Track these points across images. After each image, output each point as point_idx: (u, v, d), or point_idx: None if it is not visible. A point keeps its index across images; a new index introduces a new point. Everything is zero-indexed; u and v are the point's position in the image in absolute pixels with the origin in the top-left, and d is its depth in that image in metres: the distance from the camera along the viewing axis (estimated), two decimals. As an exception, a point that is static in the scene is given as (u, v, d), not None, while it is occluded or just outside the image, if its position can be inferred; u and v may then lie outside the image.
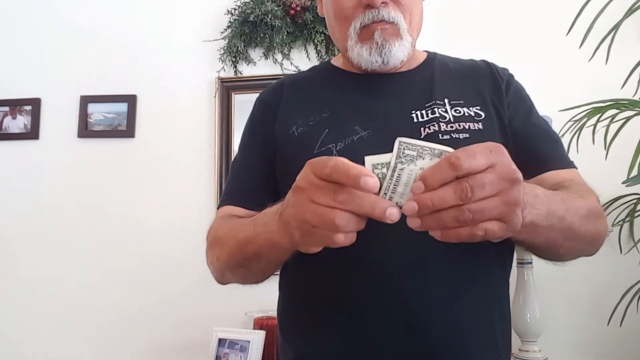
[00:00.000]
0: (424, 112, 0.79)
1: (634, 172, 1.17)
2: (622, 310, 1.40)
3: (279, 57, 1.87)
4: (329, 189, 0.47)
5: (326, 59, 1.83)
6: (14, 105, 1.95)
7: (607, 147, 1.30)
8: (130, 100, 1.92)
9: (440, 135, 0.76)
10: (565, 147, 1.37)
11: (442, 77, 0.86)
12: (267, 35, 1.84)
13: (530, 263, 1.40)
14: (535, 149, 0.79)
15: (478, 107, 0.81)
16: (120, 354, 1.78)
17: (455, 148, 0.53)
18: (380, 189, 0.46)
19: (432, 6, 1.87)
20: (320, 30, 1.80)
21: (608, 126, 1.29)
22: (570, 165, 0.80)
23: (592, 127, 1.31)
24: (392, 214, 0.46)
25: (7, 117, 1.95)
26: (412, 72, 0.85)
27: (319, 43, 1.82)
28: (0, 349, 1.83)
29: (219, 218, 0.82)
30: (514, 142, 0.79)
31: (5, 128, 1.94)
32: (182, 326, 1.77)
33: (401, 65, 0.83)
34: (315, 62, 1.85)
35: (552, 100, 1.53)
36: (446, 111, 0.79)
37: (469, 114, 0.80)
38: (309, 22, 1.80)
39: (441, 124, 0.77)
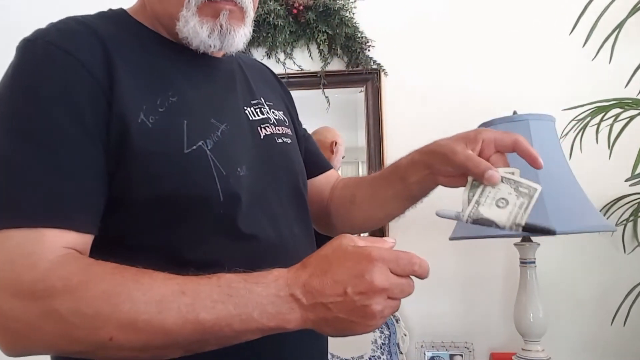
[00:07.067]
0: (252, 109, 0.76)
1: (638, 171, 1.16)
2: (625, 310, 1.40)
3: (281, 56, 1.87)
4: (401, 284, 0.52)
5: (328, 59, 1.83)
6: (18, 105, 1.95)
7: (610, 147, 1.30)
8: (133, 100, 1.91)
9: (276, 138, 0.76)
10: (569, 146, 1.39)
11: (250, 73, 0.83)
12: (269, 35, 1.84)
13: (533, 262, 1.39)
14: (315, 154, 0.94)
15: (281, 112, 0.83)
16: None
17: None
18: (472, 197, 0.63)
19: (434, 6, 1.87)
20: (323, 30, 1.80)
21: (612, 125, 1.29)
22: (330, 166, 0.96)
23: (596, 126, 1.31)
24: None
25: (11, 116, 1.95)
26: (228, 60, 0.77)
27: (321, 42, 1.82)
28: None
29: (72, 263, 0.52)
30: (303, 147, 0.88)
31: (9, 127, 1.95)
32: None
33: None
34: (317, 61, 1.85)
35: (555, 100, 1.53)
36: (268, 112, 0.79)
37: (282, 118, 0.82)
38: (312, 21, 1.80)
39: (271, 126, 0.77)
